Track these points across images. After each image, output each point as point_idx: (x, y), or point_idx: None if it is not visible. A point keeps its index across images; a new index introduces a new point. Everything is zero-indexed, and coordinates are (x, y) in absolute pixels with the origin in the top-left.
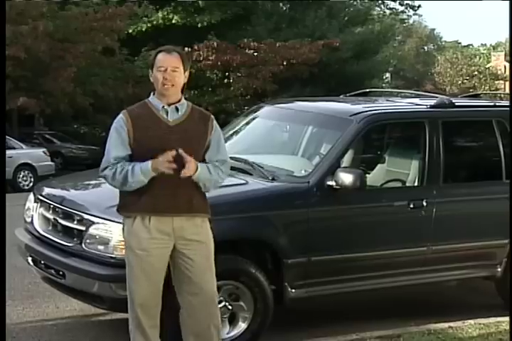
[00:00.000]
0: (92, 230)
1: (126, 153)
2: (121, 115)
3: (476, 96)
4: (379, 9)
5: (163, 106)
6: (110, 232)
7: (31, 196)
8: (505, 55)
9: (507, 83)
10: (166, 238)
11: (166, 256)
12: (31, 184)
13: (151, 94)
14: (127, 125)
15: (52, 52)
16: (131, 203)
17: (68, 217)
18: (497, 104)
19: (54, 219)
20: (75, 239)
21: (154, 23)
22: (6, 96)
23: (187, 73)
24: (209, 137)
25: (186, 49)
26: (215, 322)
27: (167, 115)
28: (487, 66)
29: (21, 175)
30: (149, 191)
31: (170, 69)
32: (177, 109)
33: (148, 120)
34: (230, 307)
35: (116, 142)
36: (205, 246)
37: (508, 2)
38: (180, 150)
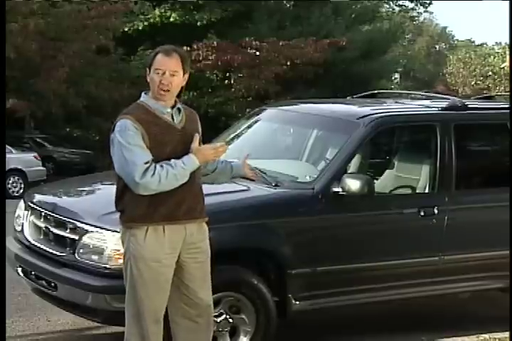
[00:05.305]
0: (85, 239)
1: (150, 156)
2: (128, 121)
3: (491, 97)
4: (388, 6)
5: (167, 111)
6: (105, 241)
7: (21, 203)
8: None
9: None
10: (177, 247)
11: (174, 265)
12: (21, 190)
13: (143, 93)
14: (141, 131)
15: (43, 52)
16: (142, 214)
17: (60, 225)
18: None
19: (45, 227)
20: (68, 249)
21: (151, 21)
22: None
23: (186, 75)
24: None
25: (185, 48)
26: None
27: (172, 118)
28: (502, 66)
29: (11, 181)
30: (159, 199)
31: (168, 73)
32: (179, 111)
33: (159, 126)
34: (230, 320)
35: (138, 147)
36: (205, 254)
37: (507, 2)
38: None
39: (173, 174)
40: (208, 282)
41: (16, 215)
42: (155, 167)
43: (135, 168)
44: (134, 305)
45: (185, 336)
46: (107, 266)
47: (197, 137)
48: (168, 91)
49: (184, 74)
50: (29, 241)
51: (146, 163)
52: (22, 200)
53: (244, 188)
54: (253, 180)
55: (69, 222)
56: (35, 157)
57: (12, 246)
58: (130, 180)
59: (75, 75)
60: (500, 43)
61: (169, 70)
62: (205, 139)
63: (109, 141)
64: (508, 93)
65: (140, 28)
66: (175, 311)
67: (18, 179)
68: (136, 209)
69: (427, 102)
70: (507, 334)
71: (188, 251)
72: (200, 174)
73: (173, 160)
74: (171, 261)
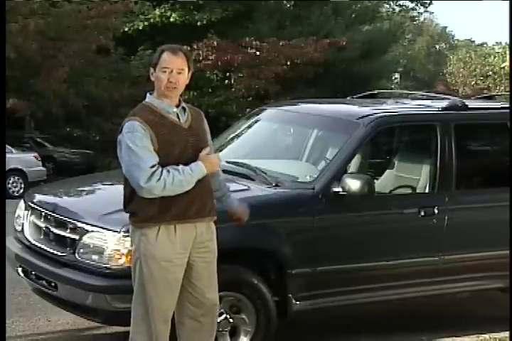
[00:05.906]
0: (86, 239)
1: (157, 160)
2: (136, 122)
3: (491, 97)
4: (388, 6)
5: (173, 110)
6: (105, 241)
7: (22, 203)
8: None
9: None
10: (188, 247)
11: (185, 265)
12: (21, 190)
13: (148, 94)
14: (149, 133)
15: (43, 52)
16: (153, 214)
17: (61, 225)
18: None
19: (46, 227)
20: (68, 249)
21: (151, 20)
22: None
23: (190, 73)
24: (208, 133)
25: (185, 48)
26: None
27: (178, 118)
28: (502, 66)
29: (11, 181)
30: (170, 200)
31: (175, 71)
32: (184, 110)
33: (166, 126)
34: (230, 320)
35: (145, 150)
36: (213, 254)
37: (507, 2)
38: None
39: (179, 180)
40: (214, 282)
41: (16, 215)
42: (161, 172)
43: (140, 172)
44: (143, 304)
45: (189, 335)
46: (108, 265)
47: (207, 149)
48: (176, 88)
49: (189, 71)
50: (29, 241)
51: (152, 166)
52: (22, 200)
53: (245, 188)
54: (238, 220)
55: (69, 221)
56: (35, 157)
57: (12, 246)
58: (135, 184)
59: (75, 75)
60: (500, 43)
61: (176, 68)
62: None
63: (116, 143)
64: (508, 93)
65: (140, 28)
66: (181, 311)
67: (18, 179)
68: (147, 210)
69: (427, 102)
70: (507, 334)
71: (198, 250)
72: (212, 173)
73: (181, 166)
74: (182, 261)
